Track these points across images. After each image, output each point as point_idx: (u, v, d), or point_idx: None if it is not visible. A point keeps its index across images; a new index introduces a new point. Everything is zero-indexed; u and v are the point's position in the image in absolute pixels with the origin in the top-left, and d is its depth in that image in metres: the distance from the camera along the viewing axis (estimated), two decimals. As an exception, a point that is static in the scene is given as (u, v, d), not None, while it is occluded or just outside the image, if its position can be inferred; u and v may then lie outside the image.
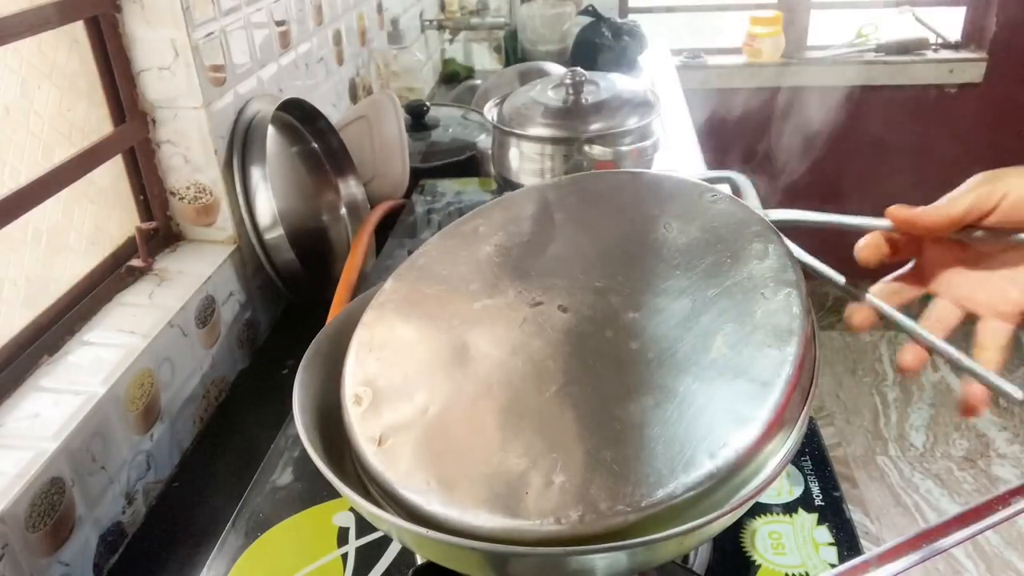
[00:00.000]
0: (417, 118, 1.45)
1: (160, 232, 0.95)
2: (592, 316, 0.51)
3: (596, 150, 0.99)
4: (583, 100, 1.03)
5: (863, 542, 0.62)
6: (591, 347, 0.49)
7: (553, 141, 1.02)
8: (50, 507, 0.65)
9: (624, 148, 1.00)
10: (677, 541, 0.49)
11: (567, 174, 1.02)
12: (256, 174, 0.96)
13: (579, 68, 1.05)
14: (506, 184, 1.10)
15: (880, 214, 0.53)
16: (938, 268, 0.53)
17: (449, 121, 1.49)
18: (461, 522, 0.44)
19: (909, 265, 0.55)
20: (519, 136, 1.04)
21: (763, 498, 0.64)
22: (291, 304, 1.10)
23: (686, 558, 0.60)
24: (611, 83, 1.06)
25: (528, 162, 1.04)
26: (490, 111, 1.09)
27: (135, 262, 0.90)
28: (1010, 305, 0.51)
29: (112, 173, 0.89)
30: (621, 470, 0.43)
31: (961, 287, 0.52)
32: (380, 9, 1.66)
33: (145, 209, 0.94)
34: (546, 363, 0.49)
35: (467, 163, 1.37)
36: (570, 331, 0.50)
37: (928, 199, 0.51)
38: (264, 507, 0.68)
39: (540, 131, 1.02)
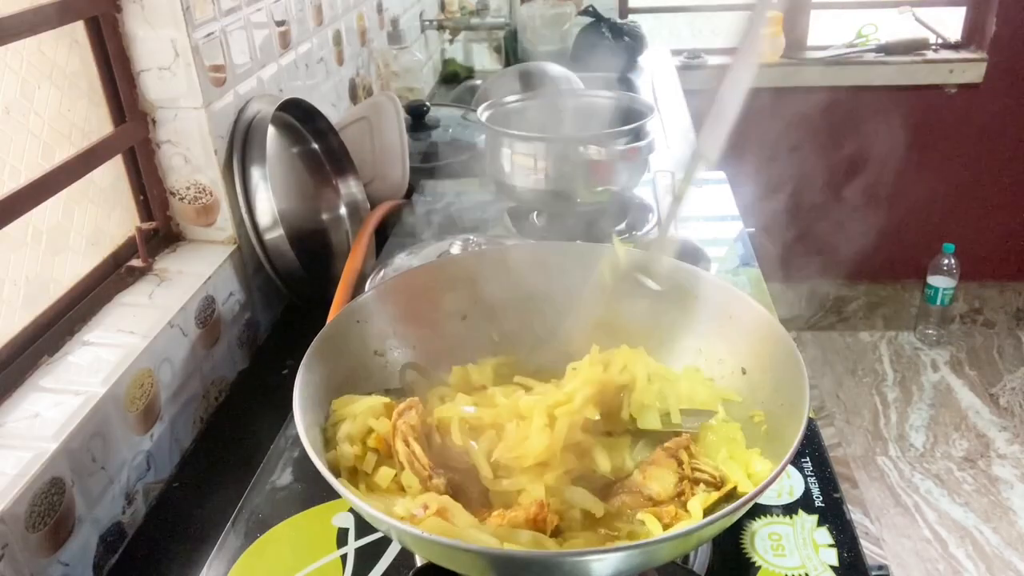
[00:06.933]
0: (417, 118, 1.45)
1: (160, 232, 0.95)
2: None
3: (592, 150, 0.98)
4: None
5: (863, 542, 0.62)
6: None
7: (547, 141, 1.00)
8: (50, 507, 0.65)
9: (620, 148, 1.00)
10: (677, 543, 0.49)
11: (563, 175, 1.01)
12: (256, 174, 0.96)
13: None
14: (499, 188, 1.08)
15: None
16: None
17: (449, 121, 1.49)
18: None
19: None
20: (512, 137, 1.01)
21: (763, 499, 0.64)
22: (291, 304, 1.10)
23: (686, 559, 0.60)
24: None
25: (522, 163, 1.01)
26: (483, 111, 1.07)
27: (135, 262, 0.90)
28: None
29: (112, 173, 0.89)
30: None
31: None
32: (380, 9, 1.66)
33: (145, 209, 0.94)
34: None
35: (467, 163, 1.37)
36: None
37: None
38: (264, 507, 0.68)
39: (535, 131, 1.00)
